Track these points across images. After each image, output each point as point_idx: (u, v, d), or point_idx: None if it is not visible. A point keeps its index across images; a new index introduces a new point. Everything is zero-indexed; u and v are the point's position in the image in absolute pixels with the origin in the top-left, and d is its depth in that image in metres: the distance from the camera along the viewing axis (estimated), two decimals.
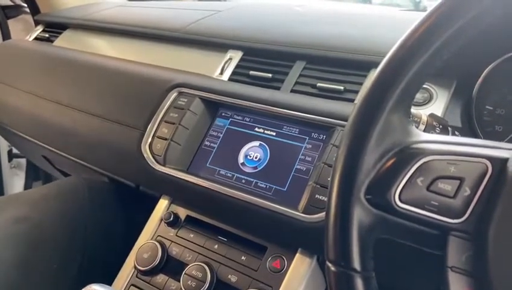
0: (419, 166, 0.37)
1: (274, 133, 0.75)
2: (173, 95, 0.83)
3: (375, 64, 0.75)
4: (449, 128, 0.54)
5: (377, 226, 0.39)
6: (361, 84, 0.74)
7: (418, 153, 0.38)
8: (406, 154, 0.38)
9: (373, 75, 0.73)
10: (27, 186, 1.72)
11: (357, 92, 0.74)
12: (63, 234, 0.85)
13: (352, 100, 0.73)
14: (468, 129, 0.69)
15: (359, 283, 0.37)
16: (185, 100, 0.82)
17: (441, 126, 0.52)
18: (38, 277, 0.79)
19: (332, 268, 0.39)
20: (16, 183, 1.71)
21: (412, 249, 0.43)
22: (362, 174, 0.38)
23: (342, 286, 0.38)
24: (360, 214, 0.38)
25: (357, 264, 0.37)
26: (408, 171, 0.38)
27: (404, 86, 0.38)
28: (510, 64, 0.68)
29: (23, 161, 1.71)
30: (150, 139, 0.80)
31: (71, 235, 0.86)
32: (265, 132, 0.76)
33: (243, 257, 0.71)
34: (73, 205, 0.90)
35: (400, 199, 0.37)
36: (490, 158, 0.36)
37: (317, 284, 0.70)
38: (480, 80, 0.68)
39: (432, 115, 0.55)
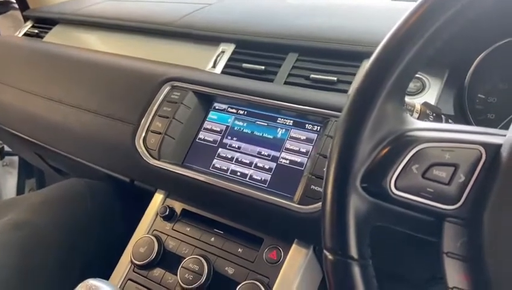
0: (414, 153, 0.38)
1: (268, 125, 0.75)
2: (166, 89, 0.83)
3: (368, 55, 0.75)
4: (442, 117, 0.54)
5: (373, 214, 0.39)
6: (354, 74, 0.74)
7: (412, 140, 0.38)
8: (401, 142, 0.39)
9: (366, 65, 0.74)
10: (20, 184, 1.71)
11: (350, 82, 0.74)
12: (65, 239, 0.84)
13: (345, 91, 0.73)
14: (460, 118, 0.69)
15: (356, 270, 0.37)
16: (178, 94, 0.81)
17: (434, 114, 0.53)
18: (39, 283, 0.78)
19: (330, 256, 0.39)
20: (9, 181, 1.69)
21: (407, 236, 0.44)
22: (358, 163, 0.38)
23: (339, 274, 0.38)
24: (356, 202, 0.38)
25: (354, 252, 0.38)
26: (403, 158, 0.38)
27: (397, 75, 0.38)
28: (501, 53, 0.69)
29: (15, 158, 1.69)
30: (143, 134, 0.80)
31: (73, 240, 0.85)
32: (260, 124, 0.76)
33: (239, 249, 0.71)
34: (76, 210, 0.89)
35: (395, 187, 0.38)
36: (484, 144, 0.36)
37: (314, 274, 0.70)
38: (472, 68, 0.68)
39: (425, 104, 0.55)
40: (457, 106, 0.69)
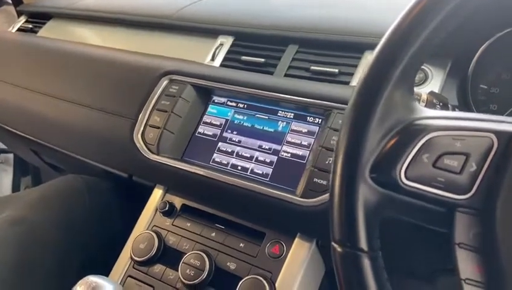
0: (425, 142, 0.37)
1: (268, 118, 0.74)
2: (164, 82, 0.81)
3: (370, 46, 0.75)
4: (449, 106, 0.53)
5: (382, 205, 0.38)
6: (355, 66, 0.73)
7: (422, 129, 0.37)
8: (411, 131, 0.38)
9: (368, 56, 0.73)
10: (15, 182, 1.69)
11: (351, 74, 0.73)
12: (63, 236, 0.82)
13: (347, 83, 0.72)
14: (464, 108, 0.68)
15: (366, 263, 0.37)
16: (177, 87, 0.80)
17: (441, 104, 0.52)
18: (37, 280, 0.76)
19: (338, 249, 0.38)
20: (4, 179, 1.67)
21: (412, 228, 0.43)
22: (366, 153, 0.37)
23: (348, 267, 0.37)
24: (366, 193, 0.37)
25: (363, 244, 0.37)
26: (413, 148, 0.37)
27: (406, 62, 0.37)
28: (503, 43, 0.68)
29: (10, 156, 1.67)
30: (142, 128, 0.79)
31: (71, 237, 0.84)
32: (260, 117, 0.75)
33: (241, 244, 0.70)
34: (73, 206, 0.88)
35: (405, 177, 0.37)
36: (496, 132, 0.35)
37: (317, 268, 0.70)
38: (475, 59, 0.67)
39: (431, 93, 0.54)
40: (461, 96, 0.68)
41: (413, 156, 0.37)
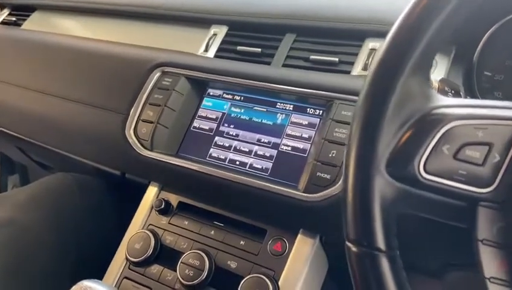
0: (444, 133, 0.34)
1: (267, 111, 0.71)
2: (156, 75, 0.78)
3: (371, 33, 0.72)
4: (461, 94, 0.51)
5: (399, 200, 0.35)
6: (356, 54, 0.71)
7: (442, 118, 0.35)
8: (429, 121, 0.35)
9: (370, 44, 0.70)
10: (2, 181, 1.63)
11: (352, 63, 0.70)
12: (54, 237, 0.79)
13: (348, 72, 0.70)
14: (469, 96, 0.66)
15: (385, 263, 0.34)
16: (170, 80, 0.77)
17: (453, 91, 0.49)
18: (28, 284, 0.73)
19: (354, 248, 0.35)
20: None
21: (421, 221, 0.41)
22: (382, 146, 0.35)
23: (365, 268, 0.35)
24: (382, 188, 0.35)
25: (381, 243, 0.34)
26: (432, 139, 0.34)
27: (424, 47, 0.35)
28: (509, 29, 0.66)
29: None
30: (134, 123, 0.76)
31: (63, 238, 0.80)
32: (258, 110, 0.72)
33: (241, 242, 0.68)
34: (64, 206, 0.84)
35: (425, 170, 0.34)
36: None
37: (321, 265, 0.68)
38: (480, 45, 0.65)
39: (443, 80, 0.52)
40: (466, 83, 0.66)
41: (433, 148, 0.34)
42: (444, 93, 0.49)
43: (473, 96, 0.67)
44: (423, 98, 0.36)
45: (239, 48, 0.80)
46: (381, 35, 0.70)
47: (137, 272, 0.71)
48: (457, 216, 0.35)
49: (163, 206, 0.73)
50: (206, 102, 0.77)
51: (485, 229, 0.33)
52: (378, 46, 0.70)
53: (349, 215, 0.36)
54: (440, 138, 0.34)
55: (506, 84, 0.68)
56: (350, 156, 0.36)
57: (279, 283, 0.62)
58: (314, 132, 0.66)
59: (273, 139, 0.69)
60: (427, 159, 0.34)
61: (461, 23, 0.36)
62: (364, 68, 0.69)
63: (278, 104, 0.71)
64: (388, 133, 0.35)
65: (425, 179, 0.34)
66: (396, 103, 0.35)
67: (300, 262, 0.63)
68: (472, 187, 0.34)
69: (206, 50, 0.83)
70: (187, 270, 0.65)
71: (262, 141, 0.70)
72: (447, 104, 0.36)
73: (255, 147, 0.70)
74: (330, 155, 0.60)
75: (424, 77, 0.36)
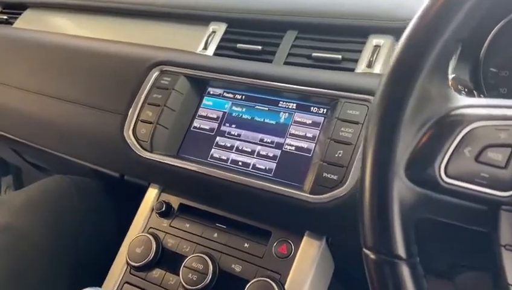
0: (465, 134, 0.33)
1: (269, 110, 0.70)
2: (155, 74, 0.76)
3: (375, 29, 0.70)
4: (474, 92, 0.50)
5: (419, 205, 0.34)
6: (360, 51, 0.69)
7: (462, 120, 0.33)
8: (449, 123, 0.34)
9: (374, 40, 0.69)
10: None
11: (356, 60, 0.69)
12: (53, 242, 0.76)
13: (352, 69, 0.68)
14: (476, 94, 0.65)
15: (405, 271, 0.33)
16: (169, 79, 0.75)
17: (466, 90, 0.48)
18: None
19: (372, 256, 0.34)
20: None
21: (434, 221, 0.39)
22: (400, 149, 0.33)
23: (385, 276, 0.33)
24: (401, 193, 0.33)
25: (401, 250, 0.33)
26: (453, 141, 0.33)
27: (442, 46, 0.33)
28: None
29: None
30: (132, 124, 0.74)
31: (61, 243, 0.78)
32: (260, 109, 0.70)
33: (245, 244, 0.66)
34: (62, 209, 0.81)
35: (446, 174, 0.33)
36: None
37: (327, 267, 0.66)
38: (487, 41, 0.64)
39: (455, 79, 0.51)
40: (473, 80, 0.65)
41: (454, 150, 0.33)
42: (457, 92, 0.48)
43: (480, 94, 0.65)
44: (442, 99, 0.34)
45: (239, 45, 0.78)
46: (386, 31, 0.69)
47: (138, 277, 0.69)
48: (478, 220, 0.34)
49: (164, 208, 0.71)
50: (207, 101, 0.75)
51: (509, 234, 0.32)
52: (382, 42, 0.69)
53: (366, 222, 0.34)
54: (461, 140, 0.33)
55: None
56: (367, 160, 0.34)
57: (286, 286, 0.61)
58: (319, 131, 0.65)
59: (276, 139, 0.67)
60: (448, 162, 0.33)
61: (478, 20, 0.35)
62: (369, 65, 0.67)
63: (281, 102, 0.69)
64: (407, 136, 0.33)
65: (446, 182, 0.33)
66: (414, 105, 0.33)
67: (307, 264, 0.62)
68: (494, 191, 0.32)
69: (205, 48, 0.81)
70: (190, 275, 0.64)
71: (265, 140, 0.68)
72: (466, 104, 0.34)
73: (258, 147, 0.68)
74: (337, 155, 0.59)
75: (443, 77, 0.35)
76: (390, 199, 0.33)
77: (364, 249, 0.35)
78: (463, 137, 0.33)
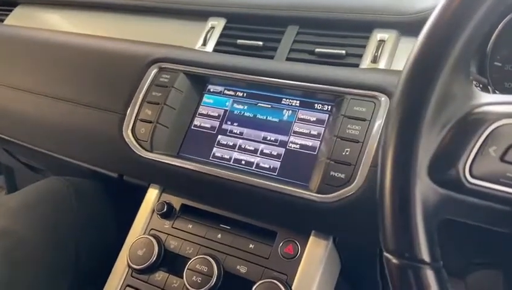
0: (490, 133, 0.32)
1: (272, 107, 0.68)
2: (153, 71, 0.74)
3: (379, 24, 0.69)
4: (489, 88, 0.49)
5: (442, 207, 0.33)
6: (364, 46, 0.68)
7: (485, 118, 0.32)
8: (472, 121, 0.32)
9: (379, 35, 0.67)
10: None
11: (360, 55, 0.67)
12: (52, 246, 0.74)
13: (356, 65, 0.67)
14: (482, 89, 0.64)
15: (430, 276, 0.31)
16: (168, 76, 0.73)
17: (481, 85, 0.47)
18: None
19: (394, 260, 0.33)
20: None
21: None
22: (422, 150, 0.32)
23: (409, 282, 0.32)
24: (424, 195, 0.32)
25: (425, 254, 0.32)
26: (478, 140, 0.32)
27: (465, 42, 0.32)
28: None
29: None
30: (131, 123, 0.72)
31: (60, 246, 0.75)
32: (262, 106, 0.69)
33: (251, 245, 0.65)
34: (60, 212, 0.79)
35: (470, 174, 0.32)
36: None
37: (334, 266, 0.65)
38: (494, 35, 0.63)
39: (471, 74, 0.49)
40: (480, 75, 0.64)
41: (478, 149, 0.32)
42: None
43: (486, 88, 0.64)
44: (464, 97, 0.33)
45: (239, 41, 0.76)
46: (390, 25, 0.68)
47: (141, 280, 0.68)
48: (502, 222, 0.33)
49: (165, 209, 0.70)
50: (207, 99, 0.73)
51: None
52: (386, 37, 0.67)
53: (387, 225, 0.33)
54: (486, 138, 0.32)
55: None
56: (387, 161, 0.33)
57: (293, 288, 0.60)
58: (324, 128, 0.64)
59: (280, 137, 0.66)
60: (472, 162, 0.32)
61: (500, 15, 0.33)
62: (374, 60, 0.66)
63: (284, 100, 0.68)
64: (429, 136, 0.32)
65: (470, 183, 0.32)
66: (436, 104, 0.32)
67: (314, 265, 0.61)
68: None
69: (204, 44, 0.79)
70: (194, 277, 0.62)
71: (268, 139, 0.67)
72: (489, 101, 0.33)
73: (261, 146, 0.67)
74: (344, 153, 0.58)
75: (465, 74, 0.33)
76: (413, 201, 0.32)
77: (385, 253, 0.34)
78: (487, 136, 0.32)
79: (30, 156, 1.04)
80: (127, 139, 0.71)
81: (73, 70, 0.81)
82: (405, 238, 0.32)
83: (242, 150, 0.67)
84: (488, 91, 0.49)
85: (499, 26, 0.63)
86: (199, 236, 0.68)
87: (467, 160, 0.32)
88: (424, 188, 0.32)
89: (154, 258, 0.66)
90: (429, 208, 0.32)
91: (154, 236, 0.68)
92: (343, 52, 0.68)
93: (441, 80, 0.32)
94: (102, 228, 0.84)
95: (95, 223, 0.83)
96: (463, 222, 0.36)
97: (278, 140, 0.66)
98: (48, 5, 1.03)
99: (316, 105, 0.66)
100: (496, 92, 0.51)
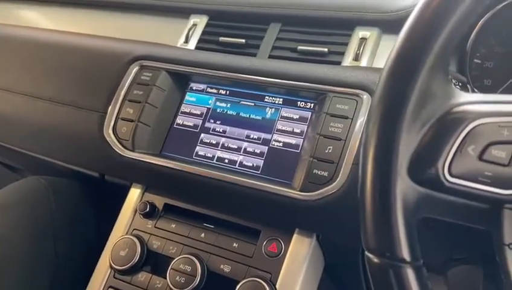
0: (469, 132, 0.32)
1: (255, 105, 0.68)
2: (134, 69, 0.73)
3: (361, 22, 0.69)
4: (468, 86, 0.49)
5: (422, 205, 0.33)
6: (346, 44, 0.68)
7: (464, 117, 0.32)
8: (451, 120, 0.33)
9: (360, 32, 0.68)
10: None
11: (342, 53, 0.68)
12: (30, 247, 0.72)
13: (338, 63, 0.67)
14: (461, 88, 0.65)
15: (411, 275, 0.32)
16: (149, 74, 0.72)
17: (460, 84, 0.47)
18: None
19: (375, 259, 0.33)
20: None
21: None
22: (403, 148, 0.32)
23: (389, 280, 0.32)
24: (404, 193, 0.32)
25: (405, 253, 0.32)
26: (456, 139, 0.32)
27: (445, 40, 0.32)
28: (501, 16, 0.64)
29: None
30: (113, 122, 0.71)
31: (40, 247, 0.74)
32: (245, 104, 0.68)
33: (234, 244, 0.65)
34: (39, 213, 0.77)
35: (449, 173, 0.32)
36: None
37: (318, 264, 0.66)
38: (474, 33, 0.64)
39: (449, 73, 0.50)
40: (459, 73, 0.64)
41: (457, 149, 0.32)
42: None
43: (466, 87, 0.65)
44: (444, 95, 0.33)
45: (221, 38, 0.76)
46: (372, 23, 0.68)
47: (123, 281, 0.67)
48: (480, 219, 0.33)
49: (148, 209, 0.69)
50: (189, 97, 0.73)
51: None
52: (368, 35, 0.68)
53: (368, 224, 0.33)
54: (464, 138, 0.32)
55: (496, 72, 0.67)
56: (367, 160, 0.33)
57: (277, 286, 0.60)
58: (306, 126, 0.64)
59: (263, 135, 0.66)
60: (451, 161, 0.32)
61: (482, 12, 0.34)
62: (355, 58, 0.66)
63: (267, 98, 0.68)
64: (409, 135, 0.32)
65: (449, 182, 0.32)
66: (416, 102, 0.32)
67: (298, 262, 0.61)
68: (497, 189, 0.32)
69: (186, 42, 0.79)
70: (178, 277, 0.62)
71: (251, 137, 0.66)
72: (469, 100, 0.33)
73: (244, 144, 0.66)
74: (327, 151, 0.58)
75: (444, 73, 0.34)
76: (393, 199, 0.32)
77: (366, 253, 0.34)
78: (466, 135, 0.32)
79: (7, 156, 1.02)
80: (108, 139, 0.70)
81: (52, 68, 0.80)
82: (386, 237, 0.32)
83: (225, 148, 0.67)
84: (467, 90, 0.50)
85: (479, 23, 0.63)
86: (182, 236, 0.67)
87: (446, 159, 0.32)
88: (404, 187, 0.32)
89: (137, 258, 0.65)
90: (409, 207, 0.32)
91: (137, 236, 0.67)
92: (326, 49, 0.68)
93: (421, 78, 0.32)
94: (83, 227, 0.83)
95: (75, 223, 0.81)
96: (446, 221, 0.37)
97: (261, 138, 0.66)
98: (25, 1, 1.01)
99: (299, 103, 0.66)
100: (475, 90, 0.52)
